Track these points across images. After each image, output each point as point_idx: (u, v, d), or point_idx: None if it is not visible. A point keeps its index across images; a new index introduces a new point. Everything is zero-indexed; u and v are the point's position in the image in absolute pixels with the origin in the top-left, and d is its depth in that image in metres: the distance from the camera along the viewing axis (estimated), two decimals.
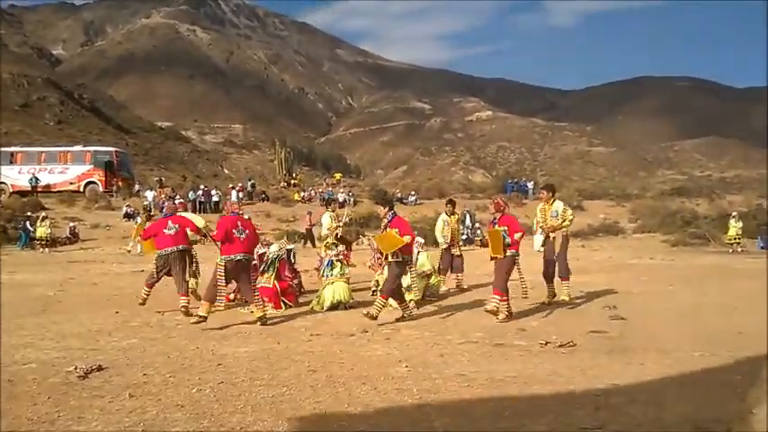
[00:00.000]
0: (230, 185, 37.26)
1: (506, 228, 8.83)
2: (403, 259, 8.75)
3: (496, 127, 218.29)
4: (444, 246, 12.13)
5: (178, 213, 10.28)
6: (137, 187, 36.98)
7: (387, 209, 8.99)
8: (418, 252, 11.05)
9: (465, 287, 12.06)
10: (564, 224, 9.93)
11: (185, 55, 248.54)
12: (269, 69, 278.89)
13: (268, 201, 36.27)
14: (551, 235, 10.03)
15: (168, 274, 9.62)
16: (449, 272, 12.05)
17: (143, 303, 9.74)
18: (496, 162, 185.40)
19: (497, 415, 4.72)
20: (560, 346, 7.09)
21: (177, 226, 9.52)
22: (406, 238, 8.60)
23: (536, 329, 8.13)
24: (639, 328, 8.26)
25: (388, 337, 7.69)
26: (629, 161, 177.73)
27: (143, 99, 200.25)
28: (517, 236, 8.76)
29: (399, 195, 38.66)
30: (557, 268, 9.95)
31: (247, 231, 8.81)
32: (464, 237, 18.75)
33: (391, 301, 9.33)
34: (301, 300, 10.61)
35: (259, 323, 8.50)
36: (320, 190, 39.82)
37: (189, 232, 9.68)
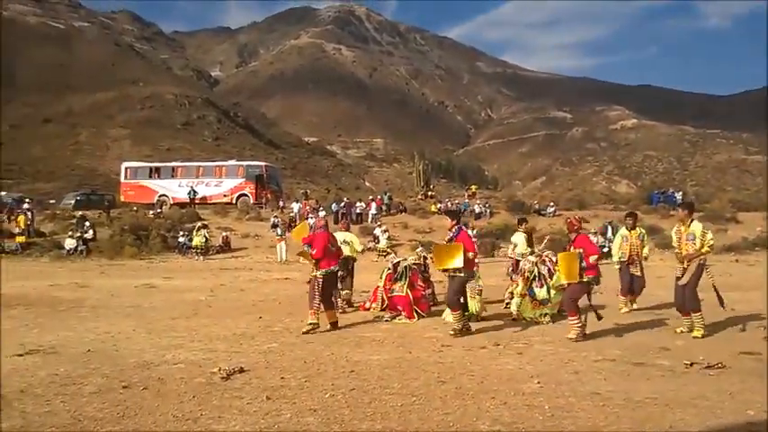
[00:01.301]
0: (370, 197, 38.11)
1: (582, 250, 8.17)
2: (464, 274, 8.46)
3: (642, 135, 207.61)
4: (618, 263, 10.96)
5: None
6: (280, 203, 38.55)
7: (453, 221, 8.70)
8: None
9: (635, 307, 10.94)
10: (703, 250, 8.40)
11: (331, 72, 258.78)
12: (410, 84, 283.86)
13: (406, 212, 36.77)
14: (685, 263, 8.54)
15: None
16: (628, 293, 10.86)
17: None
18: (642, 172, 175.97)
19: None
20: (707, 367, 6.59)
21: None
22: (470, 255, 8.36)
23: (680, 349, 7.59)
24: None
25: (521, 352, 7.50)
26: None
27: (291, 116, 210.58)
28: (592, 259, 8.10)
29: (537, 207, 37.73)
30: (685, 299, 8.51)
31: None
32: (605, 249, 17.86)
33: (446, 314, 9.29)
34: (434, 309, 10.62)
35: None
36: (456, 201, 39.72)
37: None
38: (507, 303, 10.53)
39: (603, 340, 8.20)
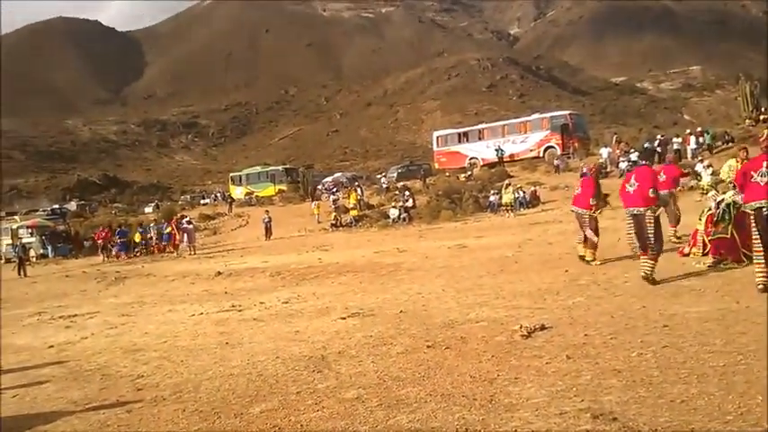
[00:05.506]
0: (687, 131, 34.31)
1: None
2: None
3: None
4: None
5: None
6: (564, 160, 35.20)
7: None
8: None
9: None
10: None
11: (632, 5, 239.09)
12: None
13: (733, 142, 32.23)
14: None
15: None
16: None
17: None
18: None
19: None
20: None
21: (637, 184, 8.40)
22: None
23: None
24: None
25: None
26: None
27: (595, 59, 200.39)
28: None
29: None
30: None
31: (638, 184, 8.25)
32: None
33: None
34: None
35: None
36: None
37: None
38: None
39: None
